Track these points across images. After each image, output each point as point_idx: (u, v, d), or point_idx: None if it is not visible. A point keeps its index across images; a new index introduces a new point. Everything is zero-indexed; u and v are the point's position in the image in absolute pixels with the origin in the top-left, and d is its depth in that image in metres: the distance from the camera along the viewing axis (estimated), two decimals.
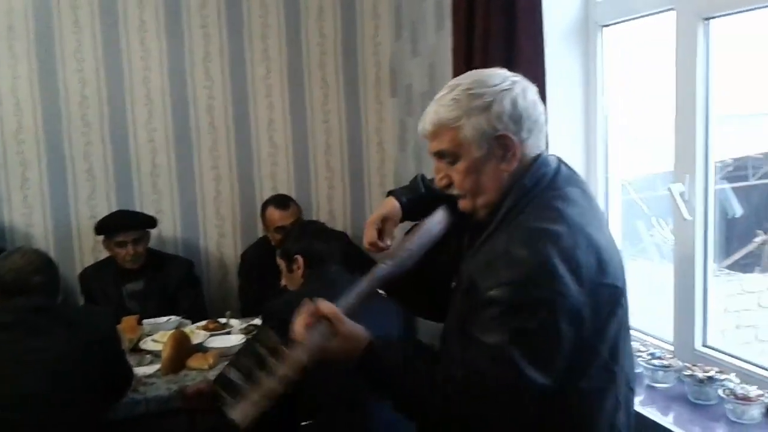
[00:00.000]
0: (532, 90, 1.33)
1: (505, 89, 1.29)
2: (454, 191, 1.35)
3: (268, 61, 3.62)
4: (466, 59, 2.49)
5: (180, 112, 3.53)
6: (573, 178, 1.36)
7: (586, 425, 1.30)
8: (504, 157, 1.29)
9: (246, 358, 1.15)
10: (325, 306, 1.24)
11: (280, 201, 3.35)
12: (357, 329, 1.26)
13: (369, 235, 1.49)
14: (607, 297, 1.25)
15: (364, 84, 3.78)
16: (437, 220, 1.45)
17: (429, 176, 1.55)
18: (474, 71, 1.40)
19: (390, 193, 1.58)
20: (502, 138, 1.28)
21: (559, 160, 1.37)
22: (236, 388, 1.16)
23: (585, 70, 2.43)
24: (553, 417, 1.27)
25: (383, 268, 1.34)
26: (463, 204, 1.36)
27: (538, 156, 1.33)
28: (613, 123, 2.43)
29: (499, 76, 1.32)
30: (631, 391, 1.38)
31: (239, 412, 1.12)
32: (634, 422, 1.42)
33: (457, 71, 2.56)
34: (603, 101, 2.42)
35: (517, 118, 1.28)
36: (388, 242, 1.50)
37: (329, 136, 3.78)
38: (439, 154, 1.33)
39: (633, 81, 2.75)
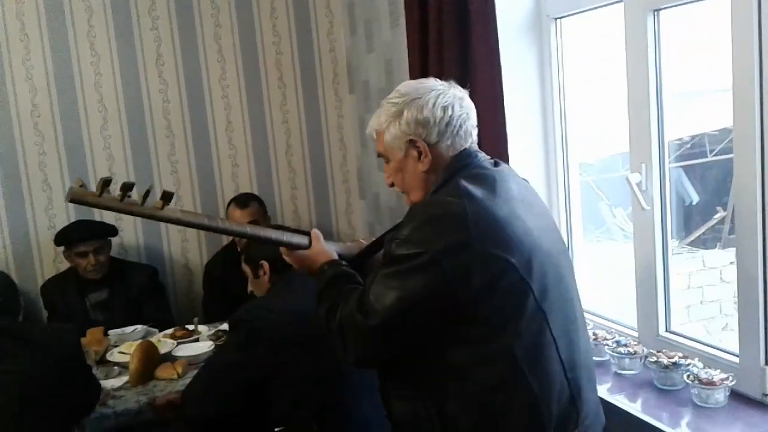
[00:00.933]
0: (446, 97, 1.47)
1: (415, 98, 1.46)
2: (397, 188, 1.55)
3: (223, 61, 3.57)
4: (421, 57, 2.49)
5: (135, 117, 3.47)
6: (492, 166, 1.50)
7: (481, 396, 1.37)
8: (419, 158, 1.47)
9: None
10: (317, 231, 1.68)
11: (240, 200, 3.32)
12: (326, 253, 1.62)
13: None
14: (491, 265, 1.33)
15: (322, 81, 3.75)
16: None
17: None
18: (406, 82, 1.60)
19: None
20: (412, 141, 1.46)
21: (485, 157, 1.52)
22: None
23: (540, 61, 2.45)
24: (446, 381, 1.39)
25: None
26: (404, 200, 1.56)
27: (459, 153, 1.48)
28: (570, 110, 2.45)
29: (418, 86, 1.50)
30: (566, 379, 1.40)
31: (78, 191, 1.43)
32: (587, 410, 1.44)
33: (413, 68, 2.56)
34: (559, 90, 2.44)
35: (423, 123, 1.45)
36: None
37: (290, 136, 3.75)
38: (379, 155, 1.55)
39: (589, 70, 2.78)
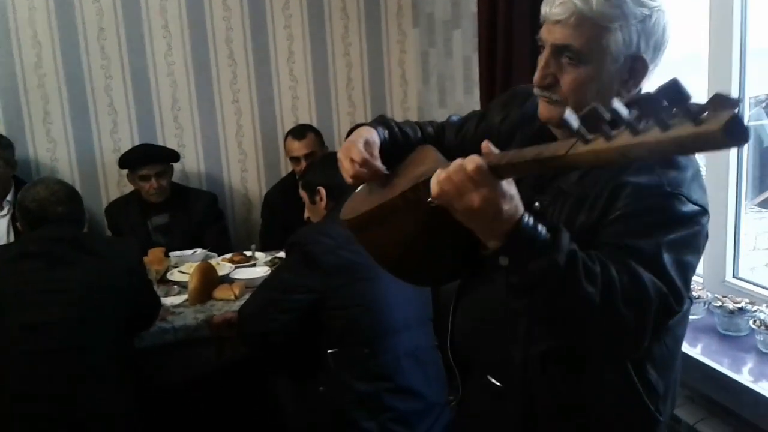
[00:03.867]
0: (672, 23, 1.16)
1: (662, 10, 1.13)
2: (552, 96, 1.15)
3: None
4: None
5: (199, 43, 3.47)
6: None
7: (672, 356, 1.23)
8: (626, 82, 1.13)
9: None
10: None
11: (297, 131, 3.32)
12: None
13: (357, 154, 1.25)
14: (707, 226, 1.15)
15: (386, 14, 3.68)
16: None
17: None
18: None
19: (360, 125, 1.40)
20: (639, 61, 1.12)
21: None
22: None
23: None
24: (652, 345, 1.15)
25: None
26: (554, 113, 1.15)
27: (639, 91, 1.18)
28: None
29: None
30: None
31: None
32: None
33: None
34: None
35: (658, 46, 1.13)
36: (379, 163, 1.29)
37: (351, 69, 3.70)
38: (563, 49, 1.12)
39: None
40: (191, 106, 3.52)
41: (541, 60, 1.15)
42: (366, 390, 1.97)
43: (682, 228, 1.05)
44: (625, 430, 1.21)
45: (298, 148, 3.24)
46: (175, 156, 3.27)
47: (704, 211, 1.09)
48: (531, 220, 0.99)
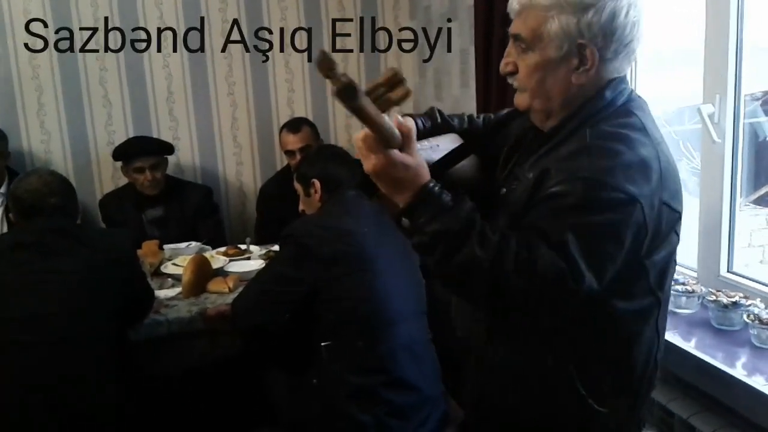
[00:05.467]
0: (638, 8, 1.18)
1: None
2: (515, 83, 1.25)
3: None
4: None
5: (194, 36, 3.45)
6: (646, 107, 1.27)
7: (623, 352, 1.26)
8: (577, 69, 1.18)
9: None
10: (410, 125, 1.13)
11: (292, 124, 3.31)
12: (427, 169, 1.14)
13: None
14: (668, 220, 1.19)
15: (382, 6, 3.66)
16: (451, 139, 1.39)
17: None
18: None
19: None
20: (582, 48, 1.16)
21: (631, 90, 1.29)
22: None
23: None
24: (591, 336, 1.23)
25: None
26: (520, 100, 1.26)
27: (615, 78, 1.23)
28: (641, 54, 2.33)
29: None
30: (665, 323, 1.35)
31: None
32: None
33: None
34: None
35: (608, 34, 1.16)
36: None
37: (347, 63, 3.69)
38: (515, 37, 1.22)
39: (663, 12, 2.62)
40: (186, 98, 3.51)
41: (507, 51, 1.25)
42: (360, 383, 1.97)
43: (595, 214, 1.09)
44: (557, 412, 1.27)
45: (293, 141, 3.23)
46: (169, 148, 3.26)
47: (632, 199, 1.10)
48: (436, 188, 1.11)
